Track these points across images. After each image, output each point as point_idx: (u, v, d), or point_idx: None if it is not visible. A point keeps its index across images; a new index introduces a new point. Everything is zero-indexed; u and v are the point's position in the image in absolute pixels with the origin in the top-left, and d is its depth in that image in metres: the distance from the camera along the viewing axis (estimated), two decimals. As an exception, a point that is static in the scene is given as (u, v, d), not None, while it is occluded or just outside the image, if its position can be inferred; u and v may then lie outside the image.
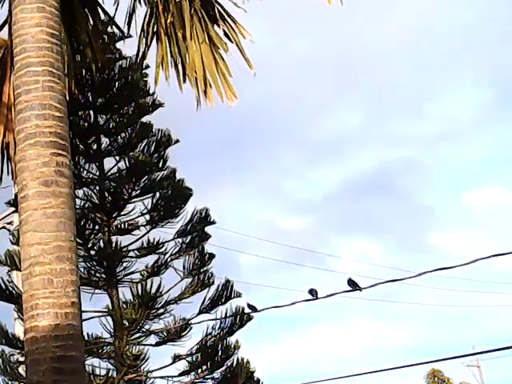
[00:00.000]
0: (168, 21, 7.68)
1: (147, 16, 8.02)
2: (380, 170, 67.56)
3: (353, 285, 11.84)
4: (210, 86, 7.57)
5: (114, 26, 9.03)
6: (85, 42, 8.33)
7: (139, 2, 8.18)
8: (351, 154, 69.81)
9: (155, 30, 7.93)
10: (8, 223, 20.19)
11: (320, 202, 66.06)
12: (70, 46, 8.23)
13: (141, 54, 8.14)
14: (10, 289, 12.14)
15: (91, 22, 8.42)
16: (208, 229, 13.24)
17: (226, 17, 7.84)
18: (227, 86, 7.58)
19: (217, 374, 12.51)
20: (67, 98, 7.99)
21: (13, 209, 16.78)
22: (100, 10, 8.49)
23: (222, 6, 7.86)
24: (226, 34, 7.87)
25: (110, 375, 11.93)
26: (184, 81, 7.76)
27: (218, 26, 7.84)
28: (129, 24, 8.43)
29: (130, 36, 9.04)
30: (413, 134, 65.76)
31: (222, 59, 7.73)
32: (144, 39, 7.99)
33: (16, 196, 6.38)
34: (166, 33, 7.76)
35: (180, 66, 7.80)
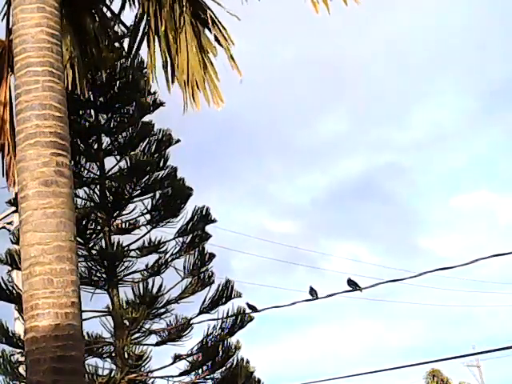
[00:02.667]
0: (162, 28, 7.69)
1: (138, 16, 8.02)
2: (367, 175, 67.89)
3: (353, 285, 11.85)
4: (198, 89, 7.58)
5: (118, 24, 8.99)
6: (91, 40, 8.31)
7: (133, 2, 8.17)
8: (338, 160, 70.23)
9: (146, 30, 7.94)
10: (8, 223, 20.19)
11: (308, 206, 66.20)
12: (78, 44, 8.22)
13: (132, 54, 8.15)
14: (11, 288, 12.14)
15: (97, 19, 8.41)
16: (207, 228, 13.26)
17: (217, 22, 7.85)
18: (215, 91, 7.59)
19: (217, 374, 12.51)
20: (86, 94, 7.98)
21: (13, 209, 16.79)
22: (105, 8, 8.48)
23: (212, 12, 7.87)
24: (216, 39, 7.88)
25: (111, 375, 11.92)
26: (173, 82, 7.76)
27: (209, 30, 7.86)
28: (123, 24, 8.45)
29: (128, 35, 9.02)
30: (398, 140, 66.12)
31: (211, 63, 7.75)
32: (139, 40, 7.98)
33: (16, 196, 6.38)
34: (156, 34, 7.76)
35: (169, 68, 7.80)
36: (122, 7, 8.32)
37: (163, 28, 7.72)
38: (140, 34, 7.94)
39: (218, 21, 7.84)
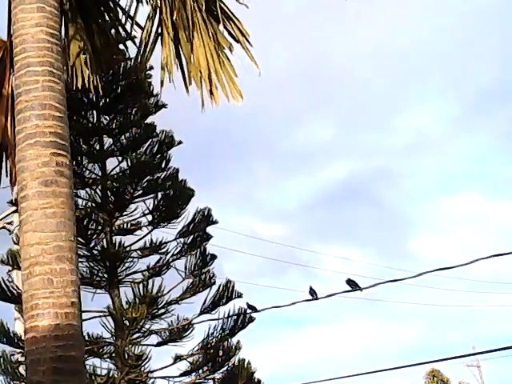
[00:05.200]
0: (174, 17, 7.63)
1: (150, 16, 7.98)
2: (354, 180, 68.48)
3: (353, 285, 11.84)
4: (216, 86, 7.53)
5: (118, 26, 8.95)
6: (101, 39, 8.31)
7: (141, 2, 8.14)
8: (325, 165, 70.74)
9: (159, 31, 7.89)
10: (8, 223, 20.22)
11: (297, 211, 66.65)
12: (89, 42, 8.20)
13: (146, 54, 8.09)
14: (11, 289, 12.15)
15: (107, 18, 8.40)
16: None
17: (231, 15, 7.80)
18: (233, 86, 7.54)
19: (218, 375, 12.51)
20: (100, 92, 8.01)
21: (13, 209, 16.80)
22: (116, 7, 8.46)
23: (225, 5, 7.82)
24: (230, 34, 7.83)
25: (111, 375, 11.92)
26: (190, 83, 7.71)
27: (223, 25, 7.81)
28: (132, 25, 8.42)
29: (135, 37, 9.02)
30: (384, 146, 66.62)
31: (227, 59, 7.70)
32: (146, 40, 7.93)
33: (16, 196, 6.41)
34: (169, 34, 7.72)
35: (185, 67, 7.75)
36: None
37: (170, 23, 7.67)
38: (153, 33, 7.90)
39: (232, 13, 7.80)
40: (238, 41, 7.78)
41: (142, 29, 8.19)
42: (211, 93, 7.54)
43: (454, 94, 70.59)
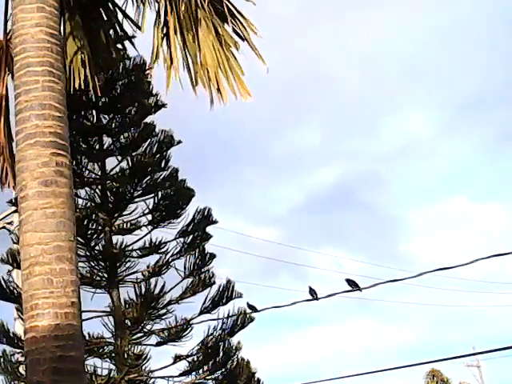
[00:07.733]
0: (180, 15, 7.60)
1: (156, 17, 7.97)
2: (344, 184, 68.72)
3: (353, 285, 11.83)
4: (223, 84, 7.51)
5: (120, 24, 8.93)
6: (100, 39, 8.31)
7: (149, 3, 8.14)
8: (315, 169, 70.89)
9: (164, 31, 7.87)
10: (8, 223, 20.23)
11: (287, 215, 66.66)
12: (88, 43, 8.20)
13: (154, 55, 8.06)
14: (11, 288, 12.14)
15: (105, 18, 8.40)
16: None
17: (236, 13, 7.78)
18: (240, 84, 7.52)
19: (218, 375, 12.49)
20: (98, 93, 8.09)
21: (13, 209, 16.79)
22: (114, 7, 8.46)
23: (231, 3, 7.80)
24: (235, 32, 7.81)
25: (111, 375, 11.92)
26: (196, 82, 7.68)
27: (228, 23, 7.80)
28: (136, 25, 8.43)
29: (134, 36, 9.03)
30: (372, 150, 66.69)
31: (234, 57, 7.68)
32: (154, 40, 7.91)
33: (16, 196, 6.41)
34: (175, 34, 7.70)
35: (192, 67, 7.72)
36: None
37: (175, 22, 7.66)
38: (159, 34, 7.88)
39: (238, 11, 7.77)
40: (243, 39, 7.76)
41: (139, 28, 8.19)
42: (219, 91, 7.51)
43: (443, 97, 70.79)
